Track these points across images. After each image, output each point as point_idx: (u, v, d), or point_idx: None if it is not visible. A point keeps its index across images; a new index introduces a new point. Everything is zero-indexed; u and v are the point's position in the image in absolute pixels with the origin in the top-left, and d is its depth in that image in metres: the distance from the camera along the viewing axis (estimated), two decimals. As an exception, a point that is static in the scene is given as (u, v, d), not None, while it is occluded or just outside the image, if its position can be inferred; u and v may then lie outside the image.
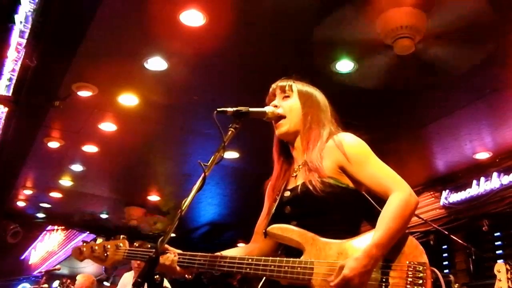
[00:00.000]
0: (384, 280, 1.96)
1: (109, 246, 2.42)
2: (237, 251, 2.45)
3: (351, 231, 2.11)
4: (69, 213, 11.42)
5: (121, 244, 2.42)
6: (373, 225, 2.05)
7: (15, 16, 6.27)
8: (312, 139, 2.30)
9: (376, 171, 2.15)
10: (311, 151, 2.26)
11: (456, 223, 7.74)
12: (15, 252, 16.58)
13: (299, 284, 2.04)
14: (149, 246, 2.44)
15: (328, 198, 2.12)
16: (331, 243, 2.05)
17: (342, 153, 2.18)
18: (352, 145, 2.21)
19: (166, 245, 2.27)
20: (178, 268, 2.28)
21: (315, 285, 2.00)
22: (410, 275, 1.94)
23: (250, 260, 2.14)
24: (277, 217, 2.24)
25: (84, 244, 2.49)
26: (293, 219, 2.18)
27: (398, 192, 2.06)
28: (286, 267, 2.05)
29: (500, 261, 6.14)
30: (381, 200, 2.11)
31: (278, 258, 2.10)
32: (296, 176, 2.32)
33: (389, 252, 1.99)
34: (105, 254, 2.42)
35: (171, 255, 2.28)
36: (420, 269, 1.94)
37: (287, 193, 2.27)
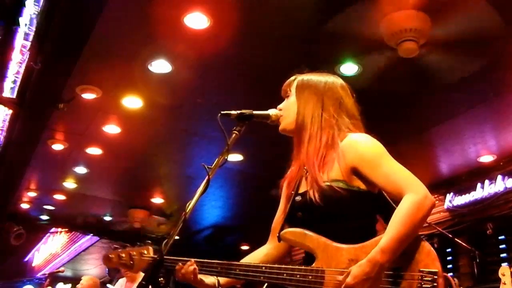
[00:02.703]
0: None
1: (134, 253, 2.49)
2: (256, 255, 2.41)
3: (366, 235, 2.01)
4: (73, 215, 11.42)
5: (145, 252, 2.48)
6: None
7: (19, 19, 6.28)
8: (304, 138, 2.21)
9: (390, 171, 2.03)
10: (305, 154, 2.18)
11: (460, 226, 7.73)
12: (19, 254, 16.58)
13: None
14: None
15: (330, 206, 2.04)
16: (342, 249, 1.99)
17: (355, 153, 2.08)
18: (366, 145, 2.11)
19: (193, 261, 2.24)
20: (199, 277, 2.25)
21: None
22: (420, 285, 1.84)
23: (264, 268, 2.10)
24: (290, 221, 2.19)
25: (112, 252, 2.57)
26: (305, 225, 2.10)
27: (411, 194, 1.93)
28: (298, 275, 2.00)
29: (504, 265, 6.14)
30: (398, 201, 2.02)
31: (290, 266, 2.05)
32: (306, 178, 2.22)
33: (399, 259, 1.89)
34: (131, 262, 2.48)
35: (190, 265, 2.23)
36: (431, 279, 1.84)
37: (298, 198, 2.19)
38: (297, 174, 2.28)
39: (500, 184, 7.35)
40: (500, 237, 7.61)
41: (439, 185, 8.14)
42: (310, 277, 1.98)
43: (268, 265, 2.12)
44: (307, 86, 2.31)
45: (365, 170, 2.06)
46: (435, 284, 1.83)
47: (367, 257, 1.87)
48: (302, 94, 2.29)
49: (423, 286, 1.84)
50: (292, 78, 2.40)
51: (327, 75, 2.38)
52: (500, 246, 7.66)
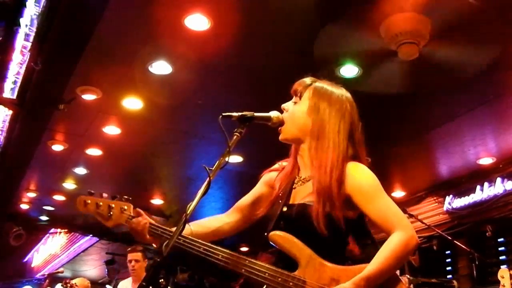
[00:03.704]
0: None
1: (113, 206, 2.37)
2: (208, 222, 2.41)
3: (337, 253, 2.10)
4: (72, 216, 11.41)
5: (125, 207, 2.37)
6: (360, 246, 2.10)
7: (20, 19, 6.29)
8: (320, 155, 2.20)
9: (383, 207, 2.11)
10: (323, 167, 2.17)
11: (459, 228, 7.74)
12: (18, 254, 16.56)
13: None
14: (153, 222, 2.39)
15: (331, 231, 2.09)
16: (326, 266, 2.05)
17: (353, 183, 2.13)
18: (364, 177, 2.15)
19: (139, 210, 2.31)
20: (148, 236, 2.28)
21: None
22: None
23: (247, 262, 2.13)
24: (274, 228, 2.21)
25: (90, 196, 2.41)
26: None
27: (400, 232, 2.04)
28: (280, 279, 2.05)
29: (503, 267, 6.14)
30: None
31: (274, 268, 2.10)
32: (295, 188, 2.28)
33: None
34: (109, 214, 2.37)
35: (143, 220, 2.29)
36: None
37: (285, 208, 2.24)
38: (290, 177, 2.33)
39: (499, 187, 7.36)
40: (499, 239, 7.63)
41: (438, 187, 8.16)
42: (291, 283, 2.04)
43: (252, 260, 2.15)
44: (327, 98, 2.29)
45: (359, 201, 2.13)
46: None
47: (351, 280, 1.95)
48: (321, 105, 2.26)
49: None
50: (307, 81, 2.36)
51: (341, 89, 2.36)
52: (499, 248, 7.67)
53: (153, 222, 2.30)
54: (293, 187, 2.30)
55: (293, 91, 2.36)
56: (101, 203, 2.37)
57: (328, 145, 2.19)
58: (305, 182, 2.26)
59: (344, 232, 2.13)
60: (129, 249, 6.18)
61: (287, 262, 2.10)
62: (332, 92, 2.30)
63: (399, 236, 2.02)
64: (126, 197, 2.40)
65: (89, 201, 2.40)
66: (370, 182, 2.15)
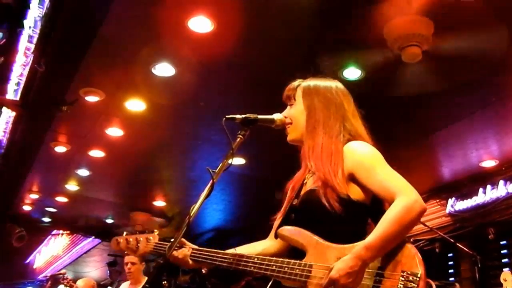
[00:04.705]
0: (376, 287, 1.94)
1: (141, 239, 2.64)
2: (253, 246, 2.47)
3: (355, 239, 2.05)
4: (75, 217, 11.44)
5: (151, 238, 2.62)
6: None
7: (24, 21, 6.30)
8: (315, 144, 2.25)
9: (385, 178, 2.08)
10: (318, 160, 2.21)
11: (462, 231, 7.72)
12: (20, 256, 16.58)
13: (297, 285, 2.05)
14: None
15: (337, 212, 2.09)
16: (332, 247, 2.04)
17: (353, 160, 2.15)
18: (364, 152, 2.17)
19: (183, 240, 2.39)
20: (190, 261, 2.40)
21: None
22: (402, 285, 1.88)
23: (256, 259, 2.18)
24: (285, 222, 2.25)
25: (121, 236, 2.72)
26: (297, 226, 2.18)
27: (402, 197, 1.98)
28: (286, 268, 2.07)
29: (506, 270, 6.14)
30: None
31: (280, 259, 2.13)
32: (305, 184, 2.31)
33: (385, 260, 1.96)
34: (137, 246, 2.63)
35: (185, 249, 2.39)
36: (413, 279, 1.88)
37: (295, 201, 2.28)
38: (301, 179, 2.35)
39: (502, 189, 7.35)
40: (501, 242, 7.61)
41: (441, 190, 8.14)
42: (297, 270, 2.05)
43: (260, 256, 2.20)
44: (315, 93, 2.36)
45: (361, 176, 2.13)
46: (416, 286, 1.87)
47: (353, 251, 1.93)
48: (311, 102, 2.33)
49: (405, 286, 1.89)
50: (295, 83, 2.43)
51: (330, 81, 2.43)
52: (502, 251, 7.65)
53: (196, 248, 2.43)
54: (304, 183, 2.33)
55: (285, 97, 2.42)
56: (131, 239, 2.68)
57: (322, 136, 2.25)
58: (312, 174, 2.29)
59: (359, 214, 2.15)
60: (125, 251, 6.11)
61: (297, 254, 2.12)
62: (318, 86, 2.38)
63: (401, 201, 1.98)
64: (155, 230, 2.67)
65: (120, 240, 2.70)
66: (369, 155, 2.16)
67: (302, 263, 2.06)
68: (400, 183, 2.06)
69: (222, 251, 2.31)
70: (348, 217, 2.12)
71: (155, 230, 2.66)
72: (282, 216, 2.32)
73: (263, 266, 2.14)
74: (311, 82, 2.41)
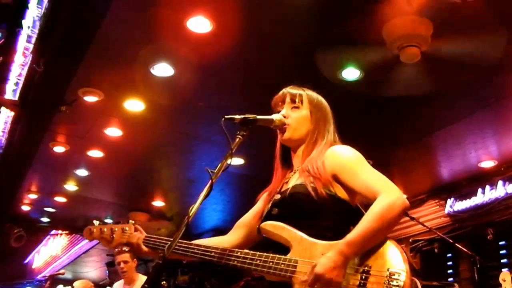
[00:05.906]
0: (362, 284, 1.96)
1: (116, 229, 2.57)
2: (210, 239, 2.53)
3: (336, 236, 2.10)
4: (73, 217, 11.42)
5: (127, 228, 2.56)
6: None
7: (22, 21, 6.30)
8: (314, 149, 2.36)
9: (367, 177, 2.16)
10: (313, 160, 2.29)
11: (461, 231, 7.72)
12: (19, 256, 16.57)
13: (282, 280, 2.08)
14: (150, 235, 2.55)
15: (323, 205, 2.17)
16: (317, 243, 2.08)
17: (336, 162, 2.23)
18: (347, 154, 2.27)
19: (138, 226, 2.50)
20: (144, 248, 2.48)
21: (295, 283, 2.04)
22: (387, 282, 1.92)
23: (239, 253, 2.21)
24: (266, 218, 2.29)
25: (95, 225, 2.64)
26: (279, 220, 2.22)
27: (384, 194, 2.05)
28: (271, 263, 2.10)
29: (505, 270, 6.14)
30: None
31: (265, 254, 2.14)
32: (287, 181, 2.38)
33: (371, 258, 1.99)
34: (112, 236, 2.57)
35: (138, 234, 2.50)
36: (398, 276, 1.92)
37: (277, 196, 2.33)
38: (281, 181, 2.43)
39: (500, 190, 7.36)
40: (500, 243, 7.61)
41: (440, 190, 8.15)
42: (282, 265, 2.08)
43: (243, 251, 2.23)
44: (320, 107, 2.47)
45: (345, 177, 2.21)
46: (401, 283, 1.90)
47: (335, 248, 1.98)
48: (317, 112, 2.44)
49: (390, 283, 1.91)
50: (300, 91, 2.48)
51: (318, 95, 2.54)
52: (501, 252, 7.65)
53: (148, 235, 2.49)
54: (285, 181, 2.41)
55: (290, 97, 2.45)
56: (105, 229, 2.60)
57: (321, 144, 2.37)
58: (295, 172, 2.38)
59: (344, 211, 2.22)
60: (116, 250, 5.99)
61: (280, 249, 2.15)
62: (321, 101, 2.50)
63: (383, 198, 2.04)
64: (131, 221, 2.63)
65: (94, 230, 2.63)
66: (352, 157, 2.25)
67: (287, 258, 2.09)
68: (382, 181, 2.14)
69: (203, 245, 2.34)
70: (333, 212, 2.19)
71: (131, 221, 2.62)
72: (261, 214, 2.38)
73: (247, 261, 2.16)
74: (313, 93, 2.50)
